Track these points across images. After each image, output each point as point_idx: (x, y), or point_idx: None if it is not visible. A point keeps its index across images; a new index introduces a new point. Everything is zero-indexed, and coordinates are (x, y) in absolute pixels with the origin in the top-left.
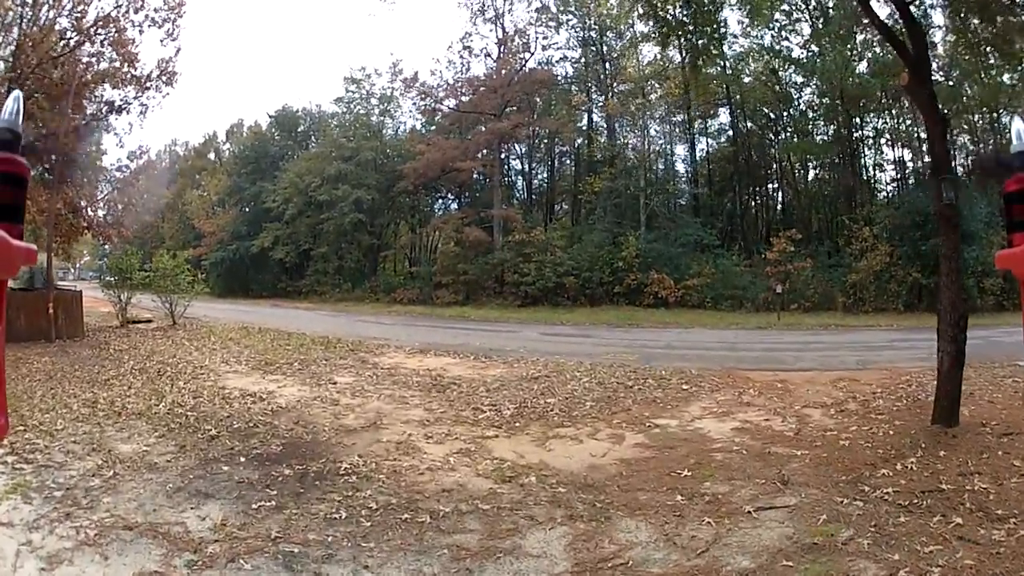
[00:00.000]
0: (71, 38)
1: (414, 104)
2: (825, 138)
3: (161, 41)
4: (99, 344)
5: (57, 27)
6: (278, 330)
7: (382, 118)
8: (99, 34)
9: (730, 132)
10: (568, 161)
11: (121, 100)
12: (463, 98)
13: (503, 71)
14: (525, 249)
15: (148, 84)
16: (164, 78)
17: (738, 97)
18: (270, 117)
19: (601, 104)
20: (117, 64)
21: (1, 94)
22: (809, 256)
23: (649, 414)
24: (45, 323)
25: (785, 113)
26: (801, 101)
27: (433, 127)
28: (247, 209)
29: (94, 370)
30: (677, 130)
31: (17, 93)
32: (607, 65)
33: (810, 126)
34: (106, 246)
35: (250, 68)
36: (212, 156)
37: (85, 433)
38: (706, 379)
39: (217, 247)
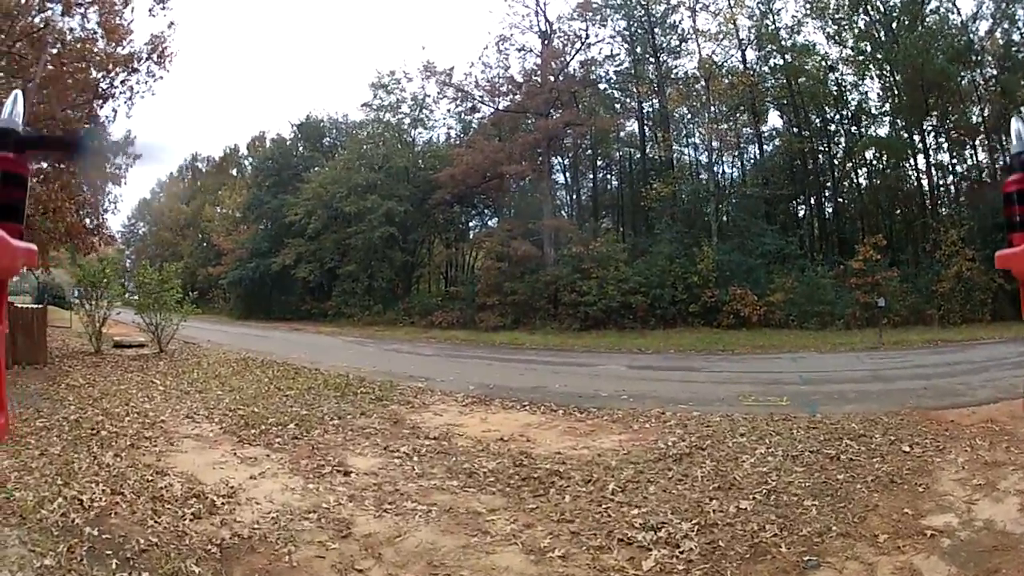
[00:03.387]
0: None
1: (450, 108)
2: (894, 134)
3: (150, 10)
4: (54, 376)
5: None
6: (287, 364)
7: (414, 126)
8: (82, 3)
9: (790, 130)
10: (615, 168)
11: (107, 84)
12: (505, 98)
13: (547, 68)
14: (583, 264)
15: (136, 65)
16: (156, 58)
17: (796, 96)
18: (293, 127)
19: (654, 104)
20: (101, 41)
21: None
22: (894, 264)
23: (908, 509)
24: None
25: (844, 111)
26: (864, 96)
27: (471, 133)
28: (268, 225)
29: (23, 413)
30: (736, 130)
31: (17, 92)
32: (659, 61)
33: (874, 123)
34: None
35: (272, 79)
36: (234, 172)
37: None
38: (907, 428)
39: (236, 265)
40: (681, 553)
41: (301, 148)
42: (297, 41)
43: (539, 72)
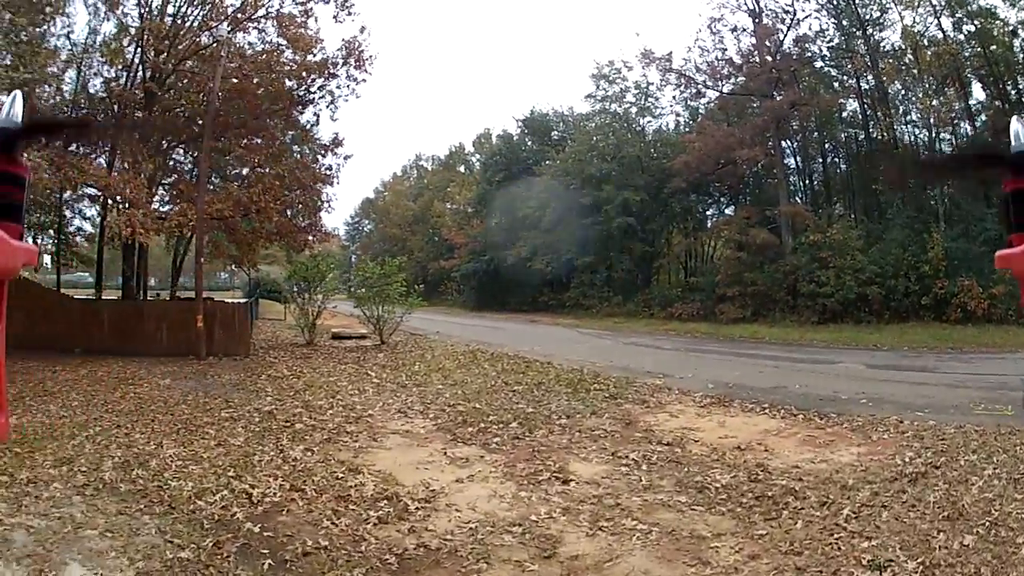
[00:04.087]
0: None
1: (675, 95)
2: None
3: (335, 17)
4: (256, 367)
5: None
6: (518, 356)
7: (642, 114)
8: (254, 19)
9: (992, 103)
10: (842, 151)
11: (302, 91)
12: (727, 82)
13: (762, 47)
14: (820, 252)
15: (334, 71)
16: (354, 62)
17: (993, 65)
18: (518, 123)
19: (870, 81)
20: (288, 51)
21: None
22: None
23: None
24: (194, 338)
25: None
26: None
27: (698, 119)
28: (500, 218)
29: (208, 404)
30: (947, 104)
31: (17, 93)
32: (866, 34)
33: None
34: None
35: (488, 78)
36: (461, 168)
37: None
38: None
39: (469, 258)
40: None
41: (528, 142)
42: (510, 38)
43: (755, 52)
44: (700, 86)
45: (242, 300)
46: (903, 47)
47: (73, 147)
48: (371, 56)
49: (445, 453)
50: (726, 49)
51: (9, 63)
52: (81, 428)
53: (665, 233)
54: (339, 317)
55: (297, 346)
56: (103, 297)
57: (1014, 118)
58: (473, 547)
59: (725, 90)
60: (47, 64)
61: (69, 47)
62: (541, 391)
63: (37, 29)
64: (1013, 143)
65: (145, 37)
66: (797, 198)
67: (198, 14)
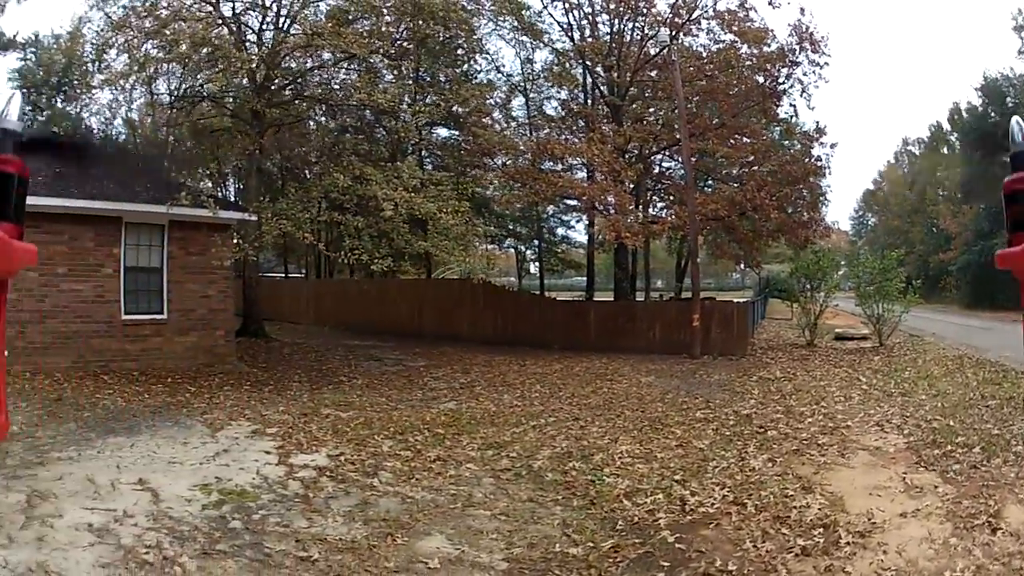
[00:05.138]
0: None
1: None
2: None
3: (770, 3)
4: (749, 367)
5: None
6: (998, 364)
7: None
8: (693, 20)
9: None
10: None
11: (769, 83)
12: None
13: None
14: None
15: (794, 58)
16: (808, 47)
17: None
18: (979, 92)
19: None
20: (744, 47)
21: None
22: None
23: None
24: (689, 337)
25: None
26: None
27: None
28: (986, 203)
29: (686, 403)
30: None
31: (15, 94)
32: None
33: None
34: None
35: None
36: (944, 151)
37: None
38: None
39: (963, 249)
40: None
41: (991, 113)
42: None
43: None
44: None
45: (745, 300)
46: None
47: (548, 164)
48: (822, 37)
49: (904, 479)
50: None
51: (440, 102)
52: (531, 417)
53: None
54: (842, 316)
55: (796, 347)
56: (594, 299)
57: (1014, 118)
58: None
59: None
60: (484, 96)
61: (502, 79)
62: (1009, 408)
63: (456, 70)
64: (1013, 143)
65: (588, 57)
66: None
67: (632, 28)
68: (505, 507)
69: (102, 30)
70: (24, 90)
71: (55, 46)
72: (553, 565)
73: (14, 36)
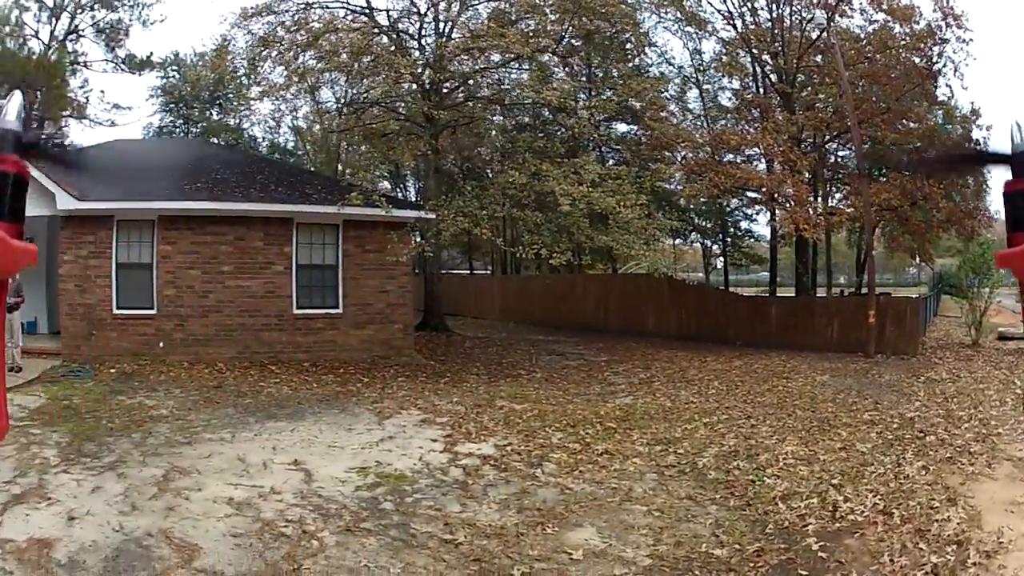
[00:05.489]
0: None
1: None
2: None
3: None
4: (919, 367)
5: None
6: None
7: None
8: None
9: None
10: None
11: (923, 62)
12: None
13: None
14: None
15: (942, 35)
16: (952, 23)
17: None
18: None
19: None
20: (896, 26)
21: None
22: None
23: None
24: (865, 335)
25: None
26: None
27: None
28: None
29: (856, 404)
30: None
31: (16, 94)
32: None
33: None
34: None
35: None
36: None
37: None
38: None
39: None
40: None
41: None
42: None
43: None
44: None
45: (917, 296)
46: None
47: (729, 157)
48: (962, 12)
49: None
50: None
51: (615, 97)
52: (704, 414)
53: None
54: (1004, 313)
55: (962, 346)
56: (777, 294)
57: (1014, 119)
58: None
59: None
60: (657, 89)
61: (673, 71)
62: None
63: (628, 65)
64: (1013, 143)
65: (753, 45)
66: None
67: (790, 12)
68: (662, 503)
69: (249, 45)
70: (172, 105)
71: (200, 63)
72: (695, 565)
73: (148, 56)
